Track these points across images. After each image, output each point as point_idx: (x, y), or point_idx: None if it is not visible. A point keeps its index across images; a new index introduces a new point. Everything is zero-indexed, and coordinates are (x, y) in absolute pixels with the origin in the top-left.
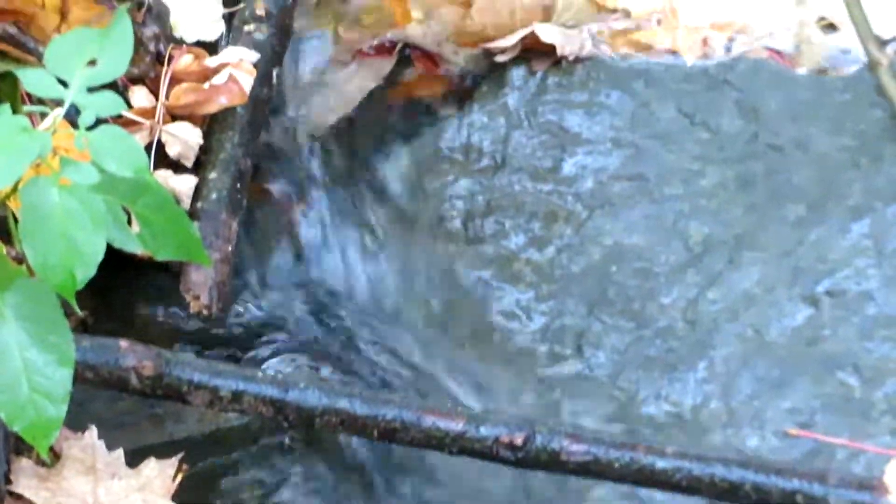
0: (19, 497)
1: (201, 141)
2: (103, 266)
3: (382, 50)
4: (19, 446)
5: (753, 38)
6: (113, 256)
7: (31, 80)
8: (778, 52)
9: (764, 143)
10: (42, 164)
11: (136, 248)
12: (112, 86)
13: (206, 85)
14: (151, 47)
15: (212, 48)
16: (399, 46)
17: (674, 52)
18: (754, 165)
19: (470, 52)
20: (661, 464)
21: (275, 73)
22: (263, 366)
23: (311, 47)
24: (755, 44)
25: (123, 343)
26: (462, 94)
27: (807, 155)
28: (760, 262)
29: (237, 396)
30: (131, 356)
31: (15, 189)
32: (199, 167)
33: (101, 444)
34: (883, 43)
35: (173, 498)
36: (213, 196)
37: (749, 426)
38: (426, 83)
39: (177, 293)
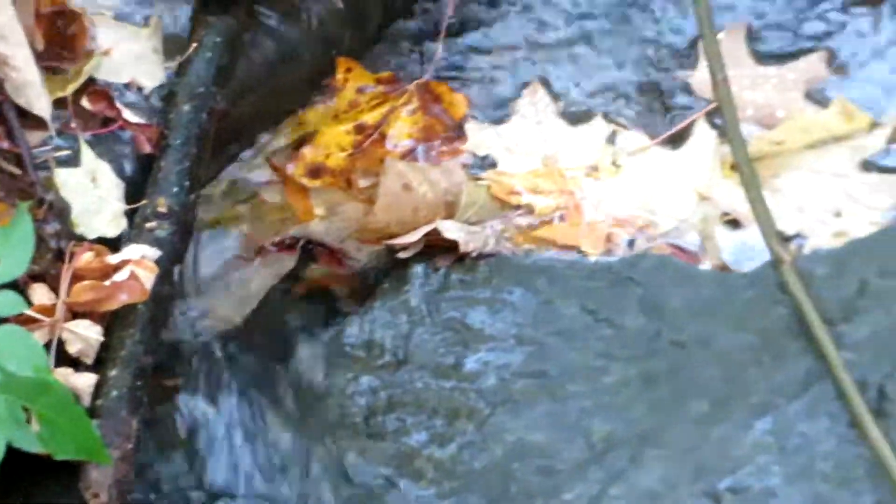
0: None
1: (102, 338)
2: (2, 465)
3: (285, 246)
4: None
5: (657, 234)
6: (12, 455)
7: None
8: (681, 249)
9: (667, 339)
10: None
11: (36, 448)
12: (12, 284)
13: (108, 282)
14: (52, 244)
15: (113, 245)
16: (302, 243)
17: (577, 249)
18: (658, 362)
19: (373, 248)
20: None
21: (176, 270)
22: None
23: (215, 243)
24: (659, 240)
25: None
26: (365, 290)
27: (710, 352)
28: (663, 458)
29: None
30: None
31: None
32: (99, 364)
33: None
34: (786, 240)
35: None
36: (114, 394)
37: None
38: (329, 279)
39: (76, 491)
